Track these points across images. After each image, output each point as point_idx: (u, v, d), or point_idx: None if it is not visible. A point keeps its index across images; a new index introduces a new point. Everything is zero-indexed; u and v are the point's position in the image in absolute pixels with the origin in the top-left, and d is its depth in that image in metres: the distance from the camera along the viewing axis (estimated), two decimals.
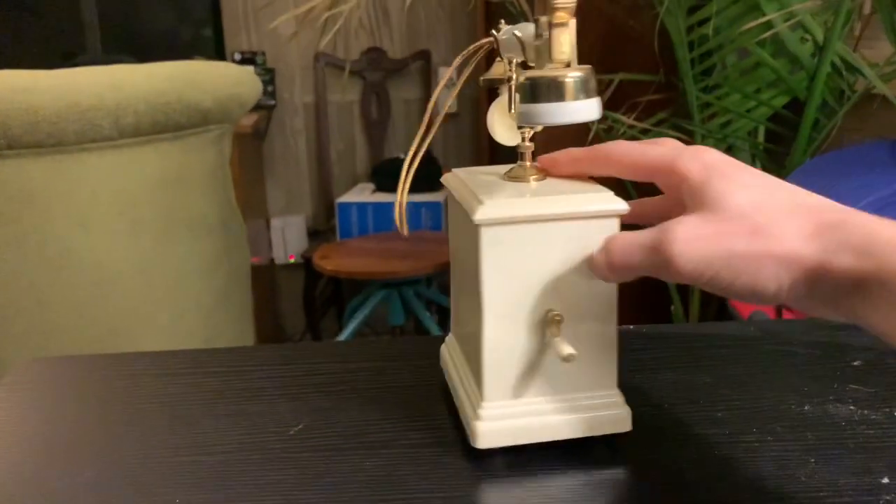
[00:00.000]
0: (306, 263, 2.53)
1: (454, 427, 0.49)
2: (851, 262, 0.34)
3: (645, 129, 1.48)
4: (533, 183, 0.45)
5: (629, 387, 0.47)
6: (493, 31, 0.45)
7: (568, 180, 0.46)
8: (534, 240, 0.42)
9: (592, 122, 1.46)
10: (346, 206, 2.56)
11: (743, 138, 1.49)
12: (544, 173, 0.46)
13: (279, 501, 0.42)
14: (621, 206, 0.43)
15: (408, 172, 0.49)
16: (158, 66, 1.36)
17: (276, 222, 2.82)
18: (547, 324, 0.43)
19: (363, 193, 2.67)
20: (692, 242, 0.36)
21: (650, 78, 1.56)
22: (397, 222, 0.50)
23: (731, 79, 1.43)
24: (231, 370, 0.58)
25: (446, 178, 0.50)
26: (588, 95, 0.41)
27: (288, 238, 2.85)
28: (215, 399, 0.54)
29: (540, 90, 0.41)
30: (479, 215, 0.41)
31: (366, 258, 2.22)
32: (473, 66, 0.47)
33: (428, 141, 0.48)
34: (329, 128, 2.82)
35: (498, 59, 0.46)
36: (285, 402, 0.53)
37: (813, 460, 0.44)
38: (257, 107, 2.62)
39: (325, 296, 2.80)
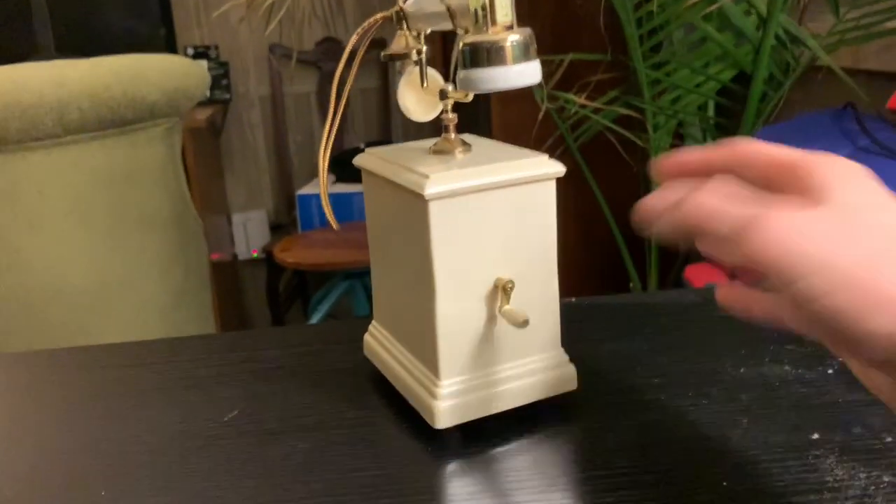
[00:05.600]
0: (269, 258, 2.51)
1: (389, 406, 0.48)
2: None
3: (597, 108, 1.49)
4: (459, 155, 0.45)
5: (571, 358, 0.47)
6: (400, 3, 0.45)
7: (494, 148, 0.46)
8: (480, 209, 0.42)
9: (542, 102, 1.46)
10: (306, 198, 2.54)
11: (693, 113, 1.50)
12: (468, 146, 0.46)
13: (206, 486, 0.41)
14: (559, 168, 0.43)
15: (324, 160, 0.48)
16: (102, 60, 1.33)
17: (237, 217, 2.79)
18: (498, 292, 0.43)
19: None
20: (795, 231, 0.28)
21: (600, 57, 1.56)
22: (328, 216, 0.50)
23: (678, 55, 1.44)
24: (168, 361, 0.57)
25: (362, 160, 0.49)
26: (529, 58, 0.39)
27: (250, 233, 2.82)
28: (151, 390, 0.53)
29: (481, 55, 0.39)
30: (429, 189, 0.40)
31: (327, 249, 2.20)
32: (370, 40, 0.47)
33: (337, 123, 0.48)
34: (287, 120, 2.79)
35: (399, 32, 0.45)
36: (221, 389, 0.52)
37: (745, 420, 0.45)
38: (212, 101, 2.59)
39: (291, 289, 2.78)
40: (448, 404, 0.43)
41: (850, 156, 1.11)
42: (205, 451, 0.45)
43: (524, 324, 0.41)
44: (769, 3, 1.28)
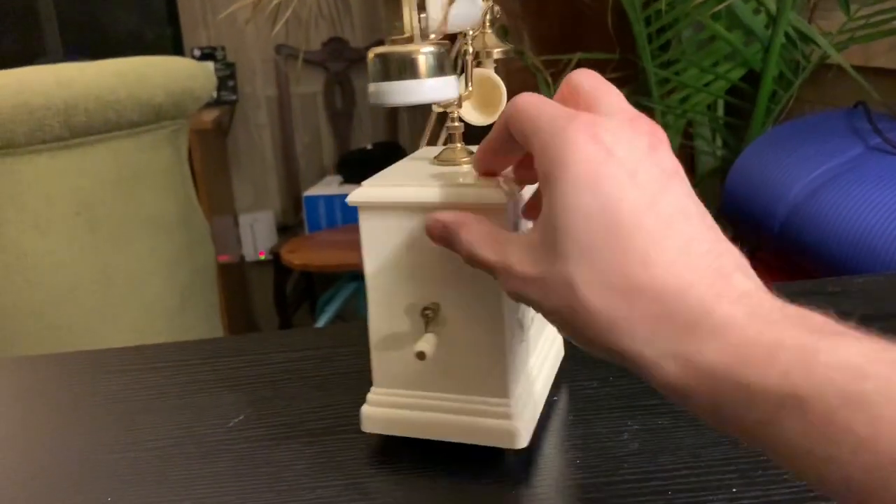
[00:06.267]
0: (276, 259, 2.51)
1: None
2: (677, 374, 0.29)
3: None
4: (463, 166, 0.42)
5: (577, 361, 0.46)
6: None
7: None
8: (412, 228, 0.39)
9: None
10: (313, 200, 2.54)
11: (702, 112, 1.49)
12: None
13: (212, 492, 0.41)
14: (503, 199, 0.38)
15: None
16: (107, 62, 1.33)
17: (244, 219, 2.79)
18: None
19: (330, 186, 2.65)
20: (518, 283, 0.33)
21: (608, 56, 1.55)
22: None
23: (687, 53, 1.43)
24: (175, 364, 0.57)
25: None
26: (445, 73, 0.38)
27: (257, 234, 2.82)
28: (156, 394, 0.53)
29: (391, 67, 0.37)
30: (352, 196, 0.40)
31: (334, 251, 2.20)
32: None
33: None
34: (293, 121, 2.79)
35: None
36: (228, 393, 0.52)
37: None
38: (219, 102, 2.59)
39: (298, 291, 2.78)
40: (374, 410, 0.43)
41: (862, 155, 1.10)
42: (210, 457, 0.44)
43: (419, 356, 0.38)
44: (778, 0, 1.27)
